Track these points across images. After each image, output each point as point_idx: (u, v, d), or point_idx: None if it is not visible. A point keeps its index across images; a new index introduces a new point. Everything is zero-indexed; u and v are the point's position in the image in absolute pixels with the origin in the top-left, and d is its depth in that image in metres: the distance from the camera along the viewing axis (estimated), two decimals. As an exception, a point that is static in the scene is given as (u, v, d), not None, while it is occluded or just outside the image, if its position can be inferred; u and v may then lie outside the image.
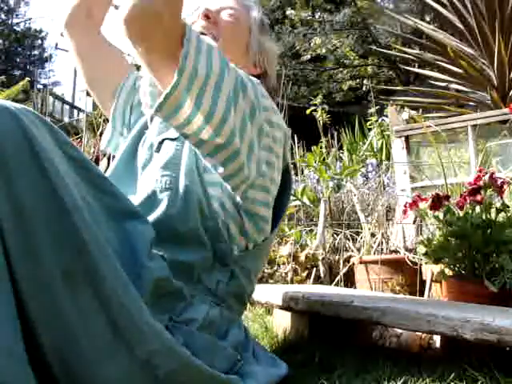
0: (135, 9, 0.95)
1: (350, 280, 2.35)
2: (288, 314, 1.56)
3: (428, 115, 4.06)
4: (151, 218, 1.07)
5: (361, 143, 4.96)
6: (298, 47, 11.63)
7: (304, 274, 2.42)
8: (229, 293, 1.14)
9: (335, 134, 4.60)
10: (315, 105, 4.63)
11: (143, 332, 0.86)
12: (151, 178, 1.14)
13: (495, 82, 4.43)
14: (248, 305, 1.37)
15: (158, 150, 1.19)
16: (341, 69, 12.08)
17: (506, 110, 2.51)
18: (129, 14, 0.95)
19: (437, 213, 1.64)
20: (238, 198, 1.14)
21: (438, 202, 1.65)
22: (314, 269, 2.43)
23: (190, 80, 0.97)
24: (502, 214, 1.57)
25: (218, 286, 1.12)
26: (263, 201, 1.18)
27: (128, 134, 1.35)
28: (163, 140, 1.20)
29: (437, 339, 1.23)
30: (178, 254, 1.06)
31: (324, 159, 3.85)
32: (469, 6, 4.47)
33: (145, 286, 0.92)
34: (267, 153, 1.17)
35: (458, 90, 4.80)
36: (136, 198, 1.13)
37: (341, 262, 2.41)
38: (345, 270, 2.35)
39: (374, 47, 9.82)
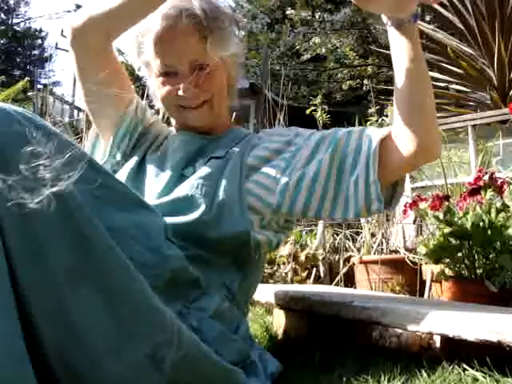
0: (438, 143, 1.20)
1: (350, 280, 2.35)
2: (288, 314, 1.56)
3: (428, 115, 4.04)
4: (183, 218, 1.11)
5: (361, 143, 4.94)
6: (298, 47, 11.64)
7: (304, 274, 2.42)
8: (239, 291, 1.17)
9: (335, 133, 4.58)
10: (315, 105, 4.61)
11: (150, 323, 0.86)
12: (190, 184, 1.16)
13: (495, 82, 4.43)
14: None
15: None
16: (341, 69, 12.08)
17: (505, 110, 2.51)
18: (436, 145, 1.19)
19: (437, 213, 1.64)
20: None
21: (438, 201, 1.65)
22: (314, 269, 2.43)
23: None
24: (502, 214, 1.57)
25: (232, 283, 1.15)
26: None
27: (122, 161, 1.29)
28: (210, 158, 1.22)
29: (437, 339, 1.23)
30: (198, 252, 1.10)
31: (324, 159, 3.83)
32: (469, 6, 4.48)
33: (162, 274, 0.94)
34: None
35: (458, 90, 4.81)
36: (168, 197, 1.15)
37: (341, 262, 2.41)
38: (345, 270, 2.35)
39: (374, 47, 9.81)
